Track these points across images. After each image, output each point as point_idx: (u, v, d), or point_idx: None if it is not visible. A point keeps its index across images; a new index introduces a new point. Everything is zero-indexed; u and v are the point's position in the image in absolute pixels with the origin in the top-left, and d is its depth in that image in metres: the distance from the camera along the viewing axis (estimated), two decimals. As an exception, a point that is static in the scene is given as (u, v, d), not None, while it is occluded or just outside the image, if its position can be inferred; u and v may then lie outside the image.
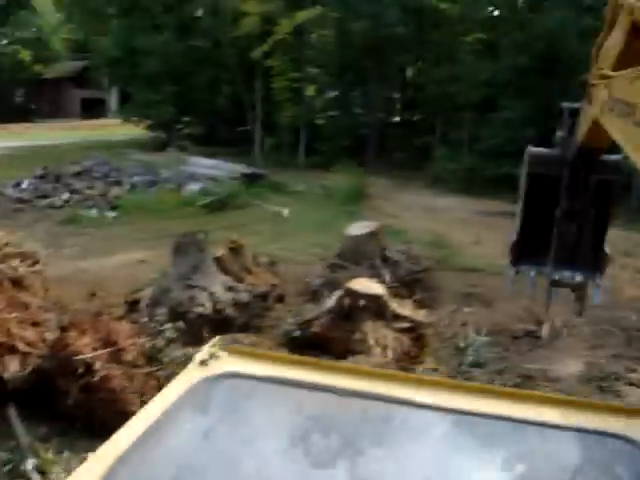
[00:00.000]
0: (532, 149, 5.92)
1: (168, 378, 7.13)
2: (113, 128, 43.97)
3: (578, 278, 5.81)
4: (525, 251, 6.16)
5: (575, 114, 5.17)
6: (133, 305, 9.57)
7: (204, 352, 3.22)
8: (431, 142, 29.57)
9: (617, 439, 2.75)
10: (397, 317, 8.97)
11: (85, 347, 6.70)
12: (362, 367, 3.76)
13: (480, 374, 8.99)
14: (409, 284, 11.22)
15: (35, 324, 7.50)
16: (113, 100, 58.96)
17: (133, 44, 34.30)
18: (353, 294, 8.90)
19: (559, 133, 5.67)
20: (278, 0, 31.58)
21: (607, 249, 5.87)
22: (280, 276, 11.98)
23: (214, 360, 3.14)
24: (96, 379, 6.52)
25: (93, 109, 61.55)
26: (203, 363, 3.13)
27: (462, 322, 10.99)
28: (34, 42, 60.71)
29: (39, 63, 61.84)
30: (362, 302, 8.84)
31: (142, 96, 34.99)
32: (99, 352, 6.68)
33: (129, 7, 36.14)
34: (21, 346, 7.05)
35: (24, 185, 22.12)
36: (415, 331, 9.03)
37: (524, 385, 8.83)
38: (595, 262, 5.79)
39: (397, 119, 40.49)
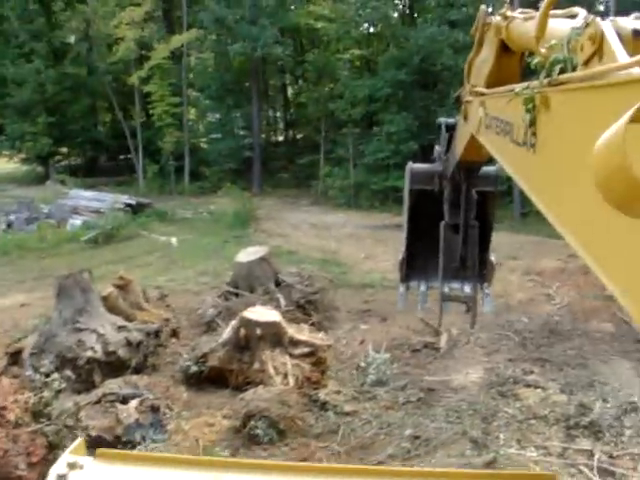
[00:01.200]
0: (412, 165, 6.01)
1: (57, 433, 6.73)
2: (-17, 163, 41.72)
3: (467, 289, 5.97)
4: (414, 266, 6.30)
5: (452, 128, 5.26)
6: (15, 356, 8.96)
7: (62, 462, 2.59)
8: (316, 160, 29.81)
9: None
10: (295, 343, 8.87)
11: (-39, 409, 6.16)
12: (242, 460, 3.44)
13: (383, 392, 9.01)
14: (304, 306, 11.16)
15: None
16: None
17: (1, 73, 32.72)
18: (248, 323, 8.73)
19: (437, 148, 5.77)
20: (152, 24, 31.13)
21: (492, 257, 6.07)
22: (172, 309, 11.63)
23: (77, 472, 2.52)
24: (-24, 444, 6.00)
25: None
26: (61, 479, 2.49)
27: (360, 340, 11.02)
28: None
29: None
30: (258, 331, 8.68)
31: (15, 128, 33.40)
32: (-23, 414, 6.16)
33: (-7, 35, 34.56)
34: None
35: None
36: (314, 355, 8.95)
37: (428, 398, 8.93)
38: (482, 272, 5.97)
39: (280, 139, 40.70)
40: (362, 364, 9.74)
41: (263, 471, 2.81)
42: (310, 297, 11.20)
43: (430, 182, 5.74)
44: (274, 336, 8.71)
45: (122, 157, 38.68)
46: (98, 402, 7.89)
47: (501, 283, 14.38)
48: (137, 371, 8.93)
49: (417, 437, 7.85)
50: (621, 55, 1.83)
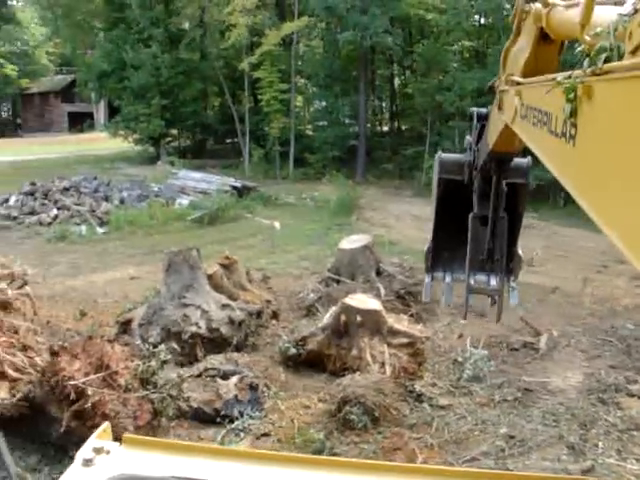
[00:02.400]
0: (442, 155, 5.92)
1: (162, 401, 7.02)
2: (101, 142, 43.76)
3: (493, 283, 5.79)
4: (440, 257, 6.18)
5: (484, 118, 5.16)
6: (125, 325, 9.39)
7: (88, 446, 2.50)
8: (421, 151, 29.53)
9: None
10: (394, 332, 8.84)
11: (77, 372, 6.52)
12: (269, 453, 3.31)
13: (480, 388, 8.87)
14: (404, 297, 11.11)
15: (25, 348, 7.32)
16: (100, 114, 58.74)
17: (121, 57, 34.18)
18: (349, 310, 8.77)
19: (468, 137, 5.65)
20: (265, 12, 31.63)
21: (520, 251, 5.94)
22: (273, 292, 11.85)
23: (103, 456, 2.47)
24: (88, 405, 6.34)
25: (80, 123, 61.34)
26: (88, 463, 2.43)
27: (458, 334, 10.87)
28: (20, 56, 60.51)
29: (25, 77, 61.60)
30: (358, 318, 8.71)
31: (130, 109, 34.84)
32: (91, 377, 6.50)
33: (115, 20, 36.05)
34: (10, 372, 6.87)
35: (11, 202, 21.88)
36: (412, 346, 8.90)
37: (524, 399, 8.74)
38: (509, 265, 5.83)
39: (386, 129, 40.52)
40: (459, 359, 9.62)
41: (281, 464, 2.70)
42: (410, 288, 11.13)
43: (460, 172, 5.66)
44: (374, 324, 8.72)
45: (229, 141, 39.66)
46: (199, 376, 8.17)
47: (607, 287, 13.87)
48: (238, 349, 9.16)
49: (512, 437, 7.68)
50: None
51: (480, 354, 9.57)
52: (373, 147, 33.81)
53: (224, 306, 9.45)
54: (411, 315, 10.48)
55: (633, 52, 1.88)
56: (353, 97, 32.43)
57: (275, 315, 10.84)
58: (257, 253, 16.01)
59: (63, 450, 6.43)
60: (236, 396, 7.69)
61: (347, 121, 33.91)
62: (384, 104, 42.64)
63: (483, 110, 5.29)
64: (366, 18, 28.26)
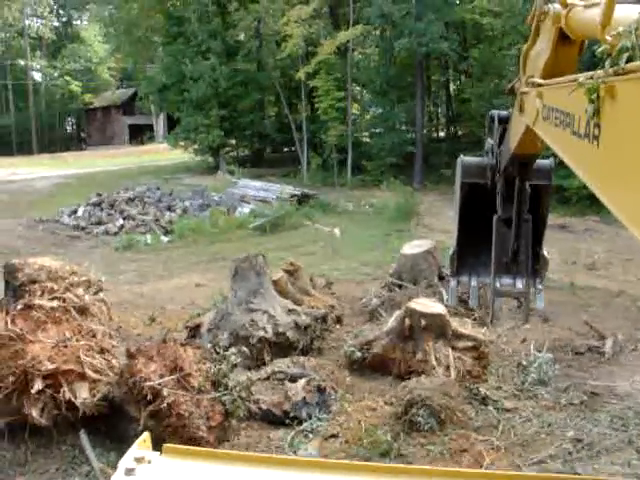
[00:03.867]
0: (464, 158, 6.00)
1: (233, 402, 7.23)
2: (161, 153, 44.91)
3: (519, 285, 5.85)
4: (465, 261, 6.23)
5: (505, 121, 5.16)
6: (194, 330, 9.68)
7: (130, 455, 2.55)
8: (478, 156, 29.24)
9: None
10: (458, 336, 8.89)
11: (153, 373, 6.78)
12: (307, 459, 3.27)
13: (545, 392, 8.82)
14: (467, 301, 11.10)
15: (102, 351, 7.64)
16: (160, 126, 60.16)
17: (181, 70, 35.01)
18: (413, 313, 8.85)
19: (489, 141, 5.64)
20: (319, 21, 31.96)
21: (545, 252, 5.94)
22: (337, 297, 12.01)
23: (144, 466, 2.50)
24: (164, 405, 6.59)
25: (140, 135, 62.95)
26: (130, 472, 2.47)
27: (522, 339, 10.81)
28: (83, 73, 62.65)
29: (88, 93, 63.69)
30: (423, 322, 8.79)
31: (190, 121, 35.63)
32: (166, 378, 6.76)
33: (175, 35, 36.95)
34: (90, 373, 7.18)
35: (80, 213, 22.68)
36: (476, 349, 8.92)
37: (591, 403, 8.65)
38: (534, 267, 5.85)
39: (442, 134, 40.36)
40: (523, 362, 9.57)
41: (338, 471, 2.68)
42: (473, 293, 11.12)
43: (482, 175, 5.68)
44: (438, 328, 8.79)
45: (286, 149, 40.13)
46: (267, 379, 8.36)
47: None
48: (304, 353, 9.33)
49: (579, 440, 7.60)
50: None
51: (545, 357, 9.51)
52: (430, 153, 33.71)
53: (290, 311, 9.64)
54: (474, 319, 10.48)
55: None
56: (409, 103, 32.43)
57: (339, 320, 10.99)
58: (318, 259, 16.20)
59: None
60: (304, 398, 7.85)
61: (403, 128, 33.91)
62: (440, 110, 42.53)
63: (504, 113, 5.31)
64: (421, 24, 28.26)
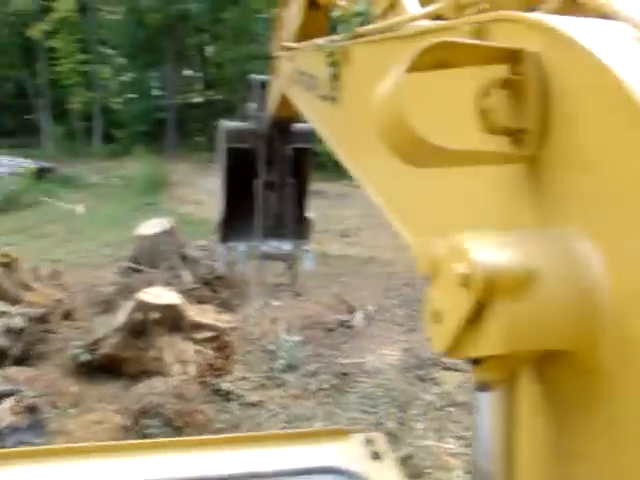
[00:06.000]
0: (227, 123, 6.05)
1: None
2: None
3: (286, 247, 6.19)
4: (233, 226, 6.26)
5: (264, 86, 5.28)
6: None
7: None
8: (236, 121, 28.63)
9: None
10: (196, 326, 8.10)
11: None
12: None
13: (294, 378, 8.38)
14: (212, 283, 10.38)
15: None
16: None
17: None
18: (143, 306, 7.88)
19: (251, 105, 5.72)
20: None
21: (310, 214, 6.19)
22: (67, 287, 10.58)
23: None
24: None
25: None
26: None
27: (272, 318, 10.29)
28: None
29: None
30: (155, 315, 7.85)
31: None
32: None
33: None
34: None
35: None
36: (219, 339, 8.22)
37: (341, 384, 8.38)
38: (299, 229, 6.11)
39: (199, 100, 39.20)
40: (271, 347, 9.08)
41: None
42: (217, 273, 10.39)
43: (245, 140, 5.74)
44: (172, 320, 7.91)
45: (26, 117, 36.38)
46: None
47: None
48: (19, 362, 7.97)
49: (329, 430, 7.28)
50: (411, 7, 1.80)
51: (294, 341, 9.09)
52: (184, 120, 32.37)
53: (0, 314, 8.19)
54: (220, 303, 9.79)
55: (381, 15, 1.98)
56: (162, 67, 30.83)
57: (68, 315, 9.65)
58: (53, 243, 14.47)
59: None
60: (12, 423, 6.57)
61: (157, 93, 32.27)
62: (197, 75, 41.21)
63: (262, 77, 5.35)
64: (168, -16, 26.74)
